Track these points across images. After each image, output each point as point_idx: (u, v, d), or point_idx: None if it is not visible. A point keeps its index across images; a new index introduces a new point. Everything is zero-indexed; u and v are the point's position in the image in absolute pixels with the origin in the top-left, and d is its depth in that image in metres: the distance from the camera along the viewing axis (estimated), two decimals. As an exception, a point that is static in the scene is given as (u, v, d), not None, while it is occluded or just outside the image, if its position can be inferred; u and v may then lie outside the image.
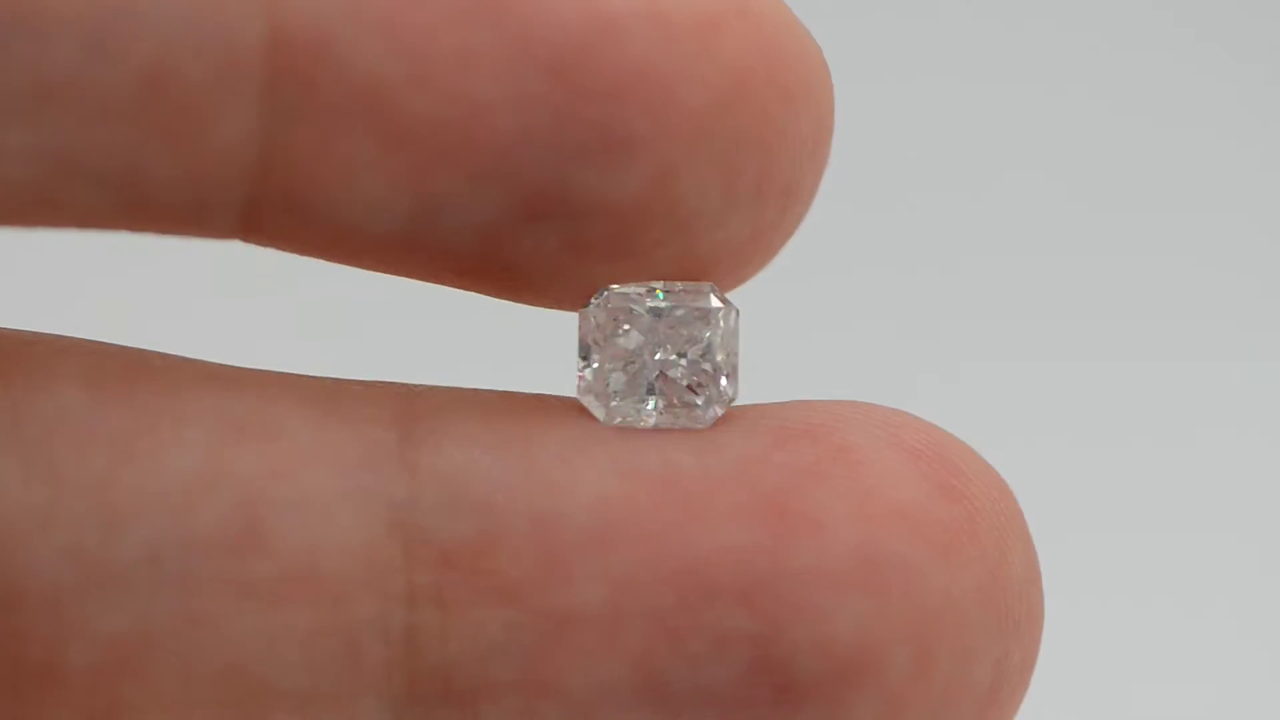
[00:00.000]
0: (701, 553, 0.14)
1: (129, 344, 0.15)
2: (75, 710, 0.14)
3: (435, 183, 0.14)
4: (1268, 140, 0.44)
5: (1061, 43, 0.45)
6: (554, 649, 0.14)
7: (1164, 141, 0.43)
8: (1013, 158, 0.43)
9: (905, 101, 0.43)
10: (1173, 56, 0.44)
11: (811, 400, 0.16)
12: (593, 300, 0.15)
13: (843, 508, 0.15)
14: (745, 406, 0.16)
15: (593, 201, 0.14)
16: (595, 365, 0.15)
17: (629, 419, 0.15)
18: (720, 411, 0.15)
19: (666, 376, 0.15)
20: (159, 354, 0.15)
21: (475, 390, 0.16)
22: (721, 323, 0.15)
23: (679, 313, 0.15)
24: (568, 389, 0.16)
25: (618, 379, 0.15)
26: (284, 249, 0.15)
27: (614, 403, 0.15)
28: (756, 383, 0.17)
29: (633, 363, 0.15)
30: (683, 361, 0.15)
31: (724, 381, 0.15)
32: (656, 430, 0.15)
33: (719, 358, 0.15)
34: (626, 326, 0.15)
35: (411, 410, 0.15)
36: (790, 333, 0.35)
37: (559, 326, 0.16)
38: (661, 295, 0.15)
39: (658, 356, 0.15)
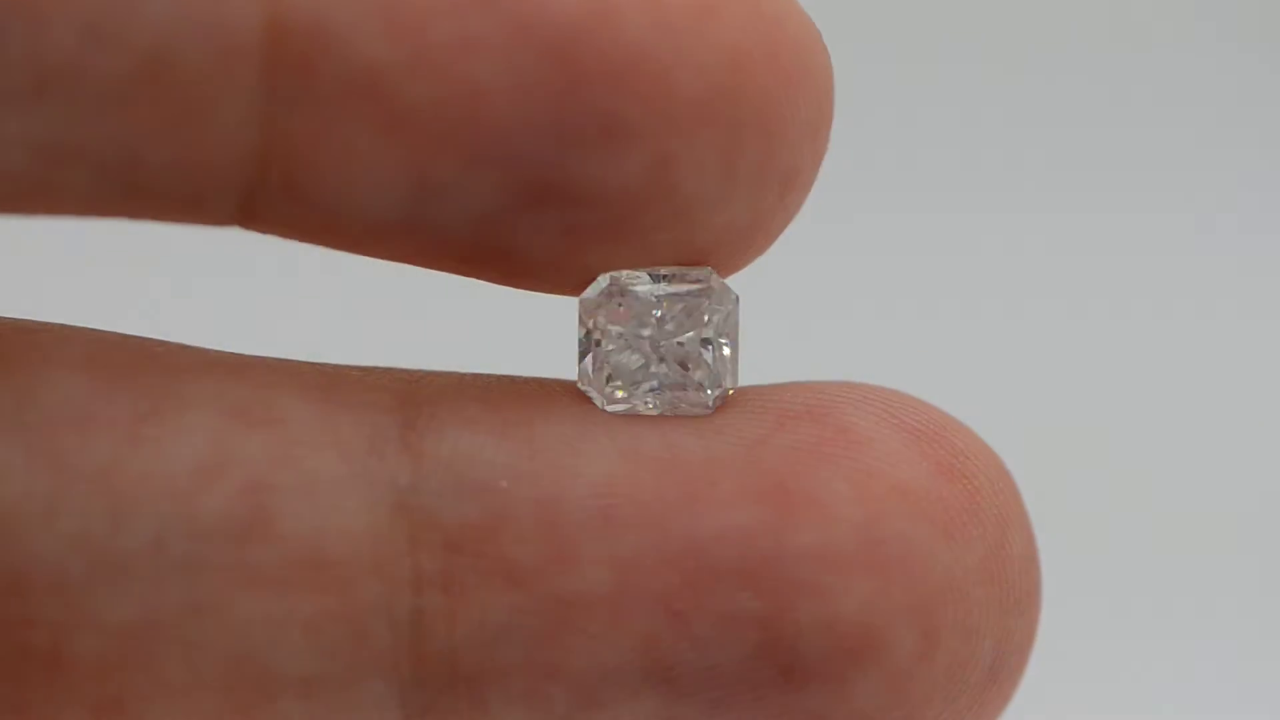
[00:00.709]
0: (705, 534, 0.14)
1: (130, 332, 0.15)
2: (82, 698, 0.14)
3: (434, 168, 0.14)
4: (1267, 141, 0.44)
5: (1064, 29, 0.45)
6: (559, 632, 0.14)
7: (1163, 131, 0.44)
8: (1013, 141, 0.43)
9: (904, 84, 0.43)
10: (1176, 52, 0.44)
11: (812, 381, 0.16)
12: (592, 286, 0.15)
13: (845, 488, 0.15)
14: (746, 388, 0.16)
15: (591, 187, 0.14)
16: (595, 351, 0.15)
17: (629, 405, 0.15)
18: (720, 397, 0.15)
19: (666, 362, 0.15)
20: (160, 341, 0.15)
21: (476, 375, 0.16)
22: (721, 308, 0.15)
23: (679, 298, 0.15)
24: (568, 373, 0.16)
25: (617, 365, 0.15)
26: (283, 236, 0.15)
27: (614, 389, 0.15)
28: (756, 365, 0.17)
29: (632, 349, 0.15)
30: (683, 347, 0.15)
31: (725, 367, 0.15)
32: (658, 416, 0.15)
33: (719, 342, 0.15)
34: (626, 312, 0.15)
35: (413, 395, 0.15)
36: (789, 314, 0.35)
37: (559, 312, 0.16)
38: (661, 281, 0.15)
39: (658, 342, 0.15)
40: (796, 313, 0.37)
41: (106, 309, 0.19)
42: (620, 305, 0.15)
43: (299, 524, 0.14)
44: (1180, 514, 0.38)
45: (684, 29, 0.14)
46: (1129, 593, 0.36)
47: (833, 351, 0.32)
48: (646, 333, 0.15)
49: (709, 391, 0.15)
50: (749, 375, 0.16)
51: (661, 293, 0.15)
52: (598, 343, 0.15)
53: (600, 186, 0.14)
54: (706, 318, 0.15)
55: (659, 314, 0.15)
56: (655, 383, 0.15)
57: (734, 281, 0.16)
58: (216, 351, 0.15)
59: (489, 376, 0.16)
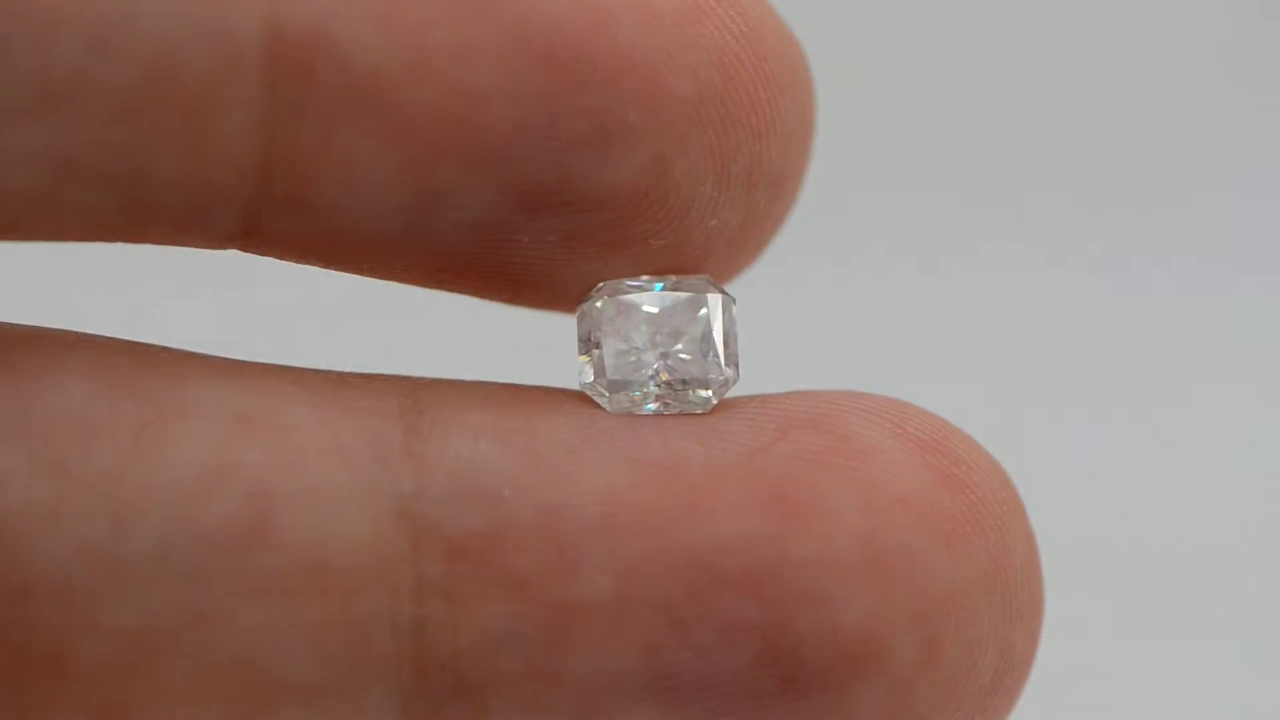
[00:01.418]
0: (708, 543, 0.14)
1: (134, 338, 0.15)
2: (84, 704, 0.14)
3: (434, 175, 0.14)
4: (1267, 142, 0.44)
5: (1053, 28, 0.45)
6: (562, 640, 0.14)
7: (1164, 126, 0.44)
8: (1008, 140, 0.43)
9: (904, 87, 0.43)
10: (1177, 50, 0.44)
11: (815, 390, 0.16)
12: (591, 293, 0.15)
13: (848, 498, 0.15)
14: (748, 396, 0.16)
15: (588, 190, 0.14)
16: (595, 357, 0.15)
17: (630, 407, 0.15)
18: (718, 395, 0.15)
19: (666, 366, 0.15)
20: (164, 348, 0.15)
21: (478, 382, 0.16)
22: (718, 311, 0.15)
23: (676, 303, 0.15)
24: (569, 382, 0.16)
25: (617, 369, 0.15)
26: (283, 256, 0.15)
27: (614, 393, 0.15)
28: (758, 374, 0.17)
29: (631, 353, 0.15)
30: (680, 350, 0.15)
31: (724, 367, 0.15)
32: (660, 417, 0.15)
33: (717, 344, 0.15)
34: (624, 318, 0.15)
35: (416, 402, 0.15)
36: (791, 323, 0.35)
37: (560, 321, 0.16)
38: (658, 286, 0.15)
39: (656, 347, 0.15)
40: (799, 321, 0.37)
41: (110, 315, 0.19)
42: (618, 311, 0.15)
43: (302, 531, 0.14)
44: (1182, 522, 0.38)
45: (672, 31, 0.14)
46: (1131, 601, 0.36)
47: (835, 360, 0.32)
48: (645, 338, 0.15)
49: (707, 391, 0.15)
50: (751, 383, 0.16)
51: (659, 298, 0.15)
52: (597, 345, 0.15)
53: (597, 189, 0.14)
54: (704, 322, 0.15)
55: (657, 319, 0.15)
56: (654, 384, 0.15)
57: (738, 291, 0.16)
58: (220, 358, 0.15)
59: (491, 384, 0.16)
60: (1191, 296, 0.42)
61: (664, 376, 0.15)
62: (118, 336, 0.15)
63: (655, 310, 0.15)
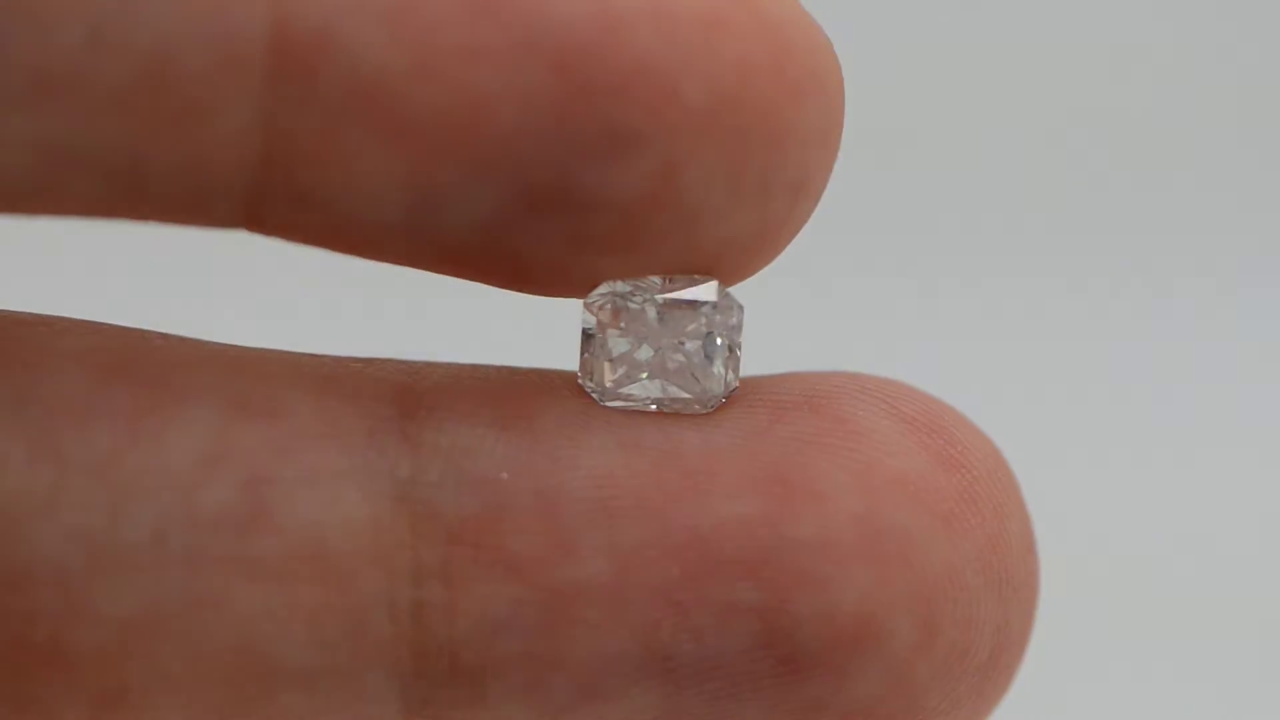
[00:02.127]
0: (705, 525, 0.15)
1: (130, 324, 0.15)
2: (83, 691, 0.14)
3: (437, 176, 0.14)
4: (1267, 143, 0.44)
5: (1072, 31, 0.44)
6: (560, 623, 0.14)
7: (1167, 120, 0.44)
8: (1016, 143, 0.43)
9: (912, 89, 0.43)
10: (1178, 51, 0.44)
11: (809, 371, 0.16)
12: (595, 292, 0.15)
13: (843, 479, 0.15)
14: (744, 379, 0.16)
15: (596, 196, 0.14)
16: (597, 357, 0.15)
17: (629, 403, 0.15)
18: (721, 400, 0.15)
19: (667, 369, 0.15)
20: (160, 333, 0.15)
21: (476, 366, 0.16)
22: (723, 316, 0.15)
23: (681, 306, 0.15)
24: (569, 365, 0.16)
25: (619, 371, 0.15)
26: (286, 240, 0.15)
27: (615, 387, 0.15)
28: (753, 355, 0.17)
29: (634, 354, 0.15)
30: (684, 353, 0.15)
31: (726, 372, 0.15)
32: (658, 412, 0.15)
33: (720, 348, 0.15)
34: (628, 319, 0.15)
35: (413, 387, 0.15)
36: (786, 304, 0.35)
37: (562, 306, 0.16)
38: (663, 288, 0.15)
39: (659, 348, 0.15)
40: (794, 303, 0.37)
41: (106, 301, 0.19)
42: (623, 313, 0.15)
43: (299, 516, 0.14)
44: (1178, 512, 0.38)
45: (690, 40, 0.14)
46: (1127, 586, 0.36)
47: (830, 342, 0.32)
48: (648, 340, 0.15)
49: (709, 395, 0.15)
50: (747, 365, 0.16)
51: (664, 300, 0.15)
52: (599, 346, 0.15)
53: (605, 195, 0.14)
54: (708, 325, 0.15)
55: (661, 322, 0.15)
56: (657, 386, 0.15)
57: (740, 289, 0.16)
58: (216, 344, 0.15)
59: (489, 368, 0.16)
60: (1193, 297, 0.42)
61: (664, 380, 0.15)
62: (114, 322, 0.15)
63: (659, 311, 0.15)
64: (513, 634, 0.15)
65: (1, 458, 0.14)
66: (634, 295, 0.15)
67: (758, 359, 0.17)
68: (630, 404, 0.15)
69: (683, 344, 0.15)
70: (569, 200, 0.14)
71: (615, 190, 0.14)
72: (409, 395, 0.15)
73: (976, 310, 0.41)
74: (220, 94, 0.13)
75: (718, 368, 0.15)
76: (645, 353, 0.15)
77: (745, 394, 0.15)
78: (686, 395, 0.15)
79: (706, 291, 0.15)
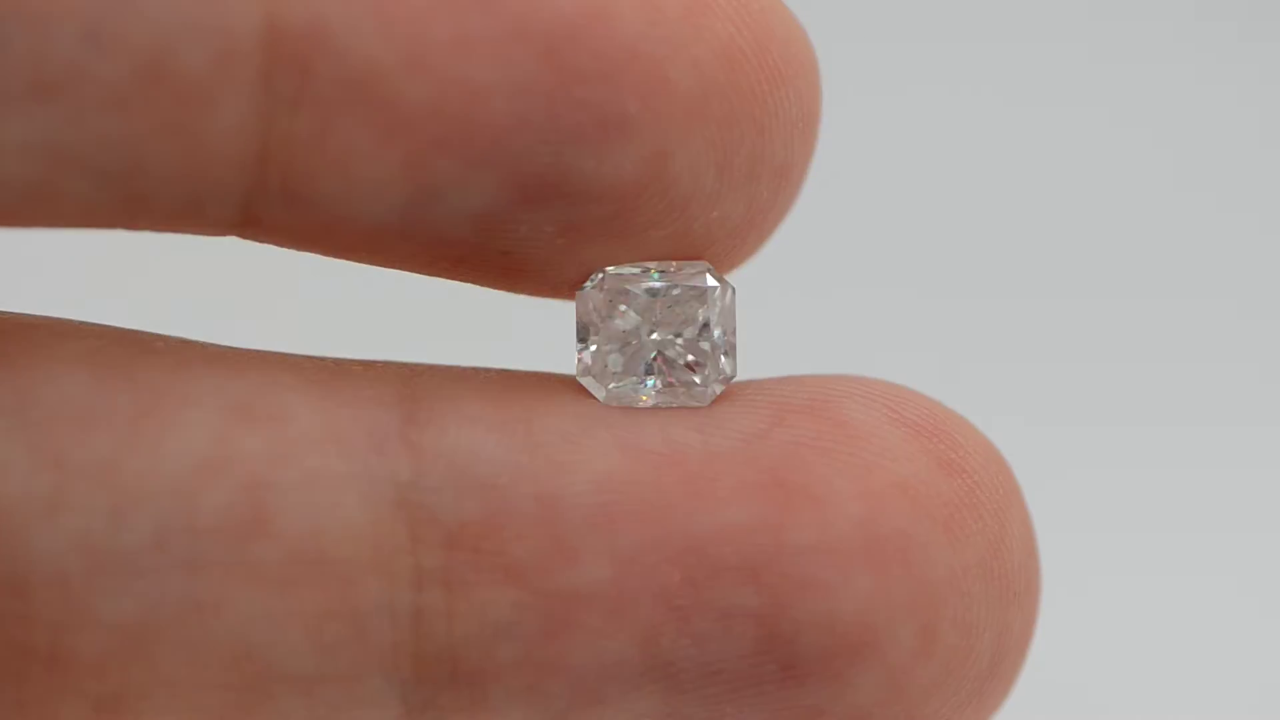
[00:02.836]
0: (706, 530, 0.15)
1: (131, 327, 0.15)
2: (82, 695, 0.14)
3: (432, 169, 0.14)
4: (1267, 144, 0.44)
5: (1051, 24, 0.44)
6: (560, 629, 0.14)
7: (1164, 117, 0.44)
8: (1008, 130, 0.43)
9: (901, 73, 0.43)
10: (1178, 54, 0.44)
11: (811, 375, 0.16)
12: (589, 282, 0.15)
13: (845, 483, 0.15)
14: (745, 382, 0.16)
15: (588, 183, 0.14)
16: (593, 347, 0.15)
17: (628, 399, 0.15)
18: (719, 389, 0.15)
19: (664, 356, 0.15)
20: (161, 336, 0.15)
21: (475, 369, 0.16)
22: (718, 301, 0.15)
23: (675, 292, 0.15)
24: (567, 368, 0.16)
25: (616, 360, 0.15)
26: (281, 244, 0.15)
27: (613, 384, 0.15)
28: (754, 359, 0.17)
29: (630, 343, 0.15)
30: (680, 340, 0.15)
31: (722, 359, 0.15)
32: (657, 409, 0.15)
33: (716, 335, 0.15)
34: (623, 307, 0.15)
35: (413, 391, 0.15)
36: (788, 307, 0.35)
37: (558, 308, 0.16)
38: (657, 275, 0.15)
39: (655, 336, 0.15)
40: (795, 306, 0.37)
41: (107, 304, 0.19)
42: (617, 301, 0.15)
43: (299, 521, 0.14)
44: (1181, 503, 0.38)
45: (676, 25, 0.14)
46: (1128, 584, 0.36)
47: (832, 345, 0.32)
48: (644, 328, 0.15)
49: (707, 385, 0.15)
50: (747, 369, 0.16)
51: (658, 287, 0.15)
52: (595, 334, 0.15)
53: (597, 182, 0.14)
54: (703, 311, 0.15)
55: (656, 309, 0.15)
56: (653, 377, 0.15)
57: (734, 273, 0.16)
58: (217, 346, 0.15)
59: (489, 371, 0.16)
60: (1194, 293, 0.42)
61: (661, 366, 0.15)
62: (114, 325, 0.15)
63: (653, 299, 0.15)
64: (513, 639, 0.15)
65: (3, 462, 0.14)
66: (628, 282, 0.15)
67: (759, 361, 0.17)
68: (627, 400, 0.15)
69: (679, 333, 0.15)
70: (562, 189, 0.14)
71: (607, 177, 0.14)
72: (408, 399, 0.15)
73: (980, 314, 0.41)
74: (216, 90, 0.13)
75: (714, 353, 0.15)
76: (642, 338, 0.15)
77: (746, 396, 0.15)
78: (685, 383, 0.15)
79: (699, 277, 0.15)
